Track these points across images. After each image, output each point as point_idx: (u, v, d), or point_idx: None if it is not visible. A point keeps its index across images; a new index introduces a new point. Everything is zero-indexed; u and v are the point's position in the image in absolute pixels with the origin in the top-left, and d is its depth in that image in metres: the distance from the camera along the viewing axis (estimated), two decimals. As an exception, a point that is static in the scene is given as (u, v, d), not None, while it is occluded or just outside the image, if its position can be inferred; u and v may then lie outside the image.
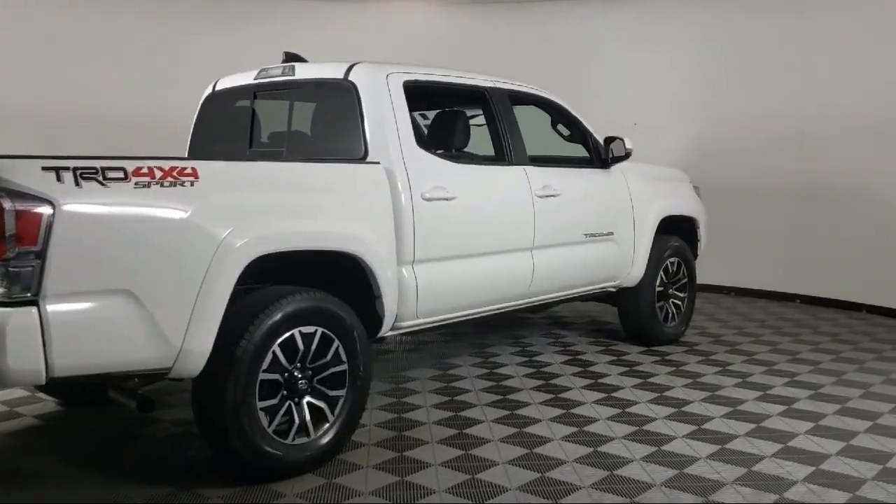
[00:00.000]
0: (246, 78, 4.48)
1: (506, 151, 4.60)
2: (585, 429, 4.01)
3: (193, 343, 3.02)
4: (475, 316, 4.50)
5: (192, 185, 3.05)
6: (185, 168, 3.05)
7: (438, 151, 4.19)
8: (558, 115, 5.24)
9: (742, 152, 7.97)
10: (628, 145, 5.16)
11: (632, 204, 5.43)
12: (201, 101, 4.72)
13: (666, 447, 3.76)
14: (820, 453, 3.69)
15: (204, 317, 3.03)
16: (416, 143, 4.02)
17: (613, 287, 5.54)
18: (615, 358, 5.44)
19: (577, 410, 4.29)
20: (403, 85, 4.06)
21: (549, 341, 5.95)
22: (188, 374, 3.08)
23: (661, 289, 5.79)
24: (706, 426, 4.06)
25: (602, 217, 5.22)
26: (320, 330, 3.45)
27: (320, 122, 4.22)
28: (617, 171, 5.40)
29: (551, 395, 4.56)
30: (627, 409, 4.32)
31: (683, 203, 5.98)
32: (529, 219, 4.58)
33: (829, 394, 4.63)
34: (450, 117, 4.58)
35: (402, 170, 3.88)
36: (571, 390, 4.67)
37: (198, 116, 4.73)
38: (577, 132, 5.28)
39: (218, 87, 4.66)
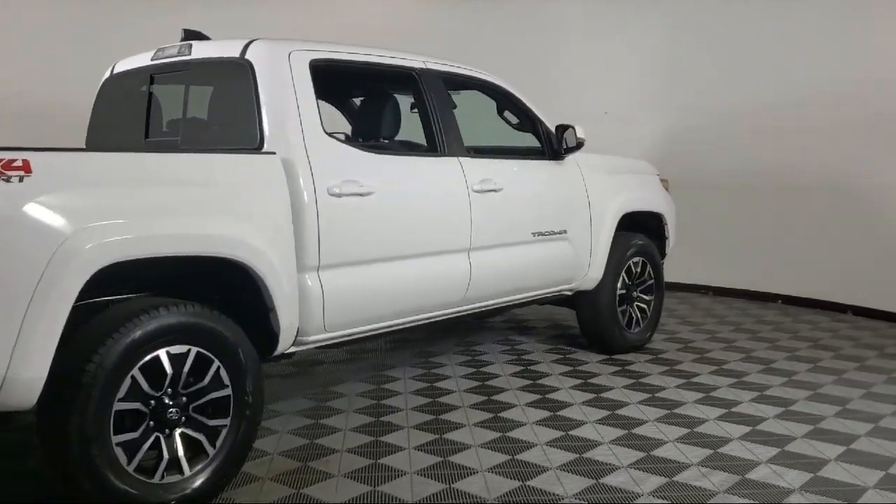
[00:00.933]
0: (144, 59, 3.97)
1: (438, 141, 4.09)
2: (519, 457, 3.52)
3: (21, 369, 2.52)
4: (405, 326, 4.00)
5: (20, 180, 2.54)
6: (13, 161, 2.54)
7: (354, 141, 3.69)
8: (504, 100, 4.73)
9: (719, 143, 7.45)
10: (580, 134, 4.65)
11: (588, 199, 4.93)
12: (99, 87, 4.21)
13: (606, 479, 3.27)
14: (782, 488, 3.19)
15: (34, 337, 2.54)
16: (323, 131, 3.51)
17: (569, 290, 5.04)
18: (570, 369, 4.94)
19: (515, 433, 3.80)
20: (310, 65, 3.55)
21: (504, 349, 5.45)
22: (17, 406, 2.58)
23: (623, 291, 5.29)
24: (657, 452, 3.56)
25: (553, 214, 4.71)
26: (194, 349, 2.94)
27: (216, 108, 3.71)
28: (571, 163, 4.90)
29: (490, 415, 4.06)
30: (572, 432, 3.82)
31: (648, 198, 5.48)
32: (465, 217, 4.08)
33: (800, 412, 4.13)
34: (374, 102, 4.08)
35: (304, 161, 3.37)
36: (514, 408, 4.17)
37: (95, 103, 4.22)
38: (526, 120, 4.77)
39: (116, 71, 4.15)
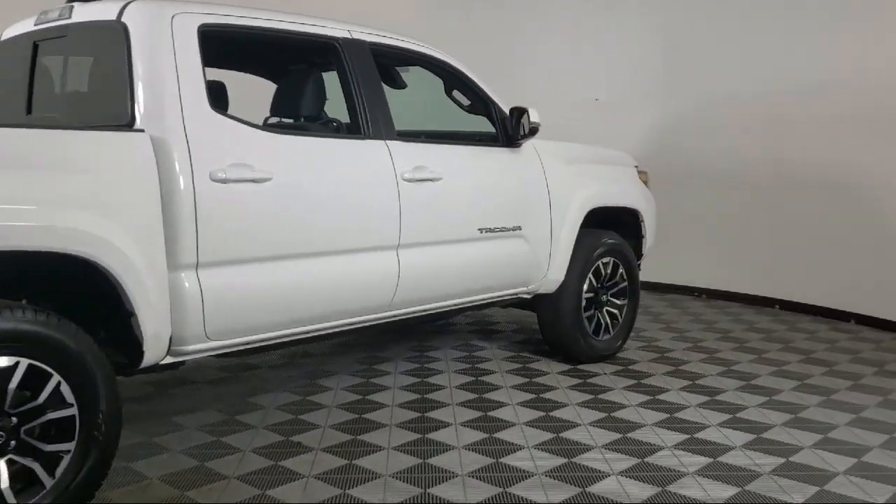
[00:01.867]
0: (28, 24, 3.50)
1: (361, 122, 3.59)
2: (434, 490, 3.02)
3: None
4: (320, 334, 3.52)
5: None
6: None
7: (250, 120, 3.20)
8: (452, 79, 4.22)
9: (716, 134, 6.87)
10: (534, 118, 4.12)
11: (548, 192, 4.40)
12: (-13, 56, 3.75)
13: (525, 524, 2.76)
14: (734, 540, 2.67)
15: None
16: (209, 107, 3.02)
17: (527, 293, 4.52)
18: (525, 381, 4.43)
19: (438, 460, 3.30)
20: (199, 30, 3.07)
21: (460, 355, 4.95)
22: None
23: (590, 295, 4.76)
24: (596, 489, 3.05)
25: (505, 208, 4.20)
26: (25, 362, 2.48)
27: (95, 79, 3.24)
28: (530, 151, 4.38)
29: (417, 436, 3.57)
30: (503, 459, 3.32)
31: (621, 191, 4.94)
32: (391, 209, 3.58)
33: (774, 440, 3.59)
34: (290, 77, 3.59)
35: (181, 141, 2.89)
36: (447, 427, 3.68)
37: (-18, 75, 3.76)
38: (478, 102, 4.26)
39: (4, 37, 3.68)
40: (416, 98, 4.69)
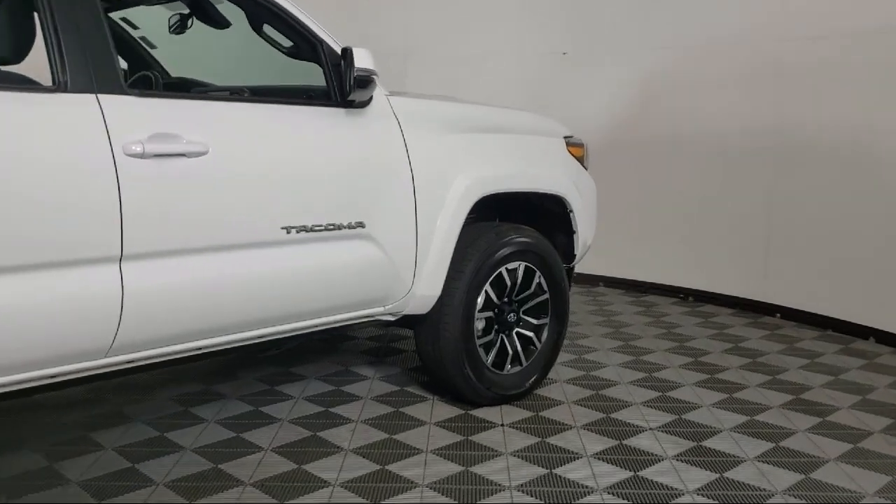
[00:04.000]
0: None
1: (54, 67, 2.31)
2: None
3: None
4: None
5: None
6: None
7: None
8: (256, 7, 2.91)
9: (707, 92, 5.45)
10: (362, 62, 2.81)
11: (412, 172, 3.09)
12: None
13: None
14: None
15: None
16: None
17: (386, 315, 3.23)
18: (386, 437, 3.15)
19: None
20: None
21: (324, 391, 3.70)
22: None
23: (490, 314, 3.45)
24: None
25: (335, 197, 2.91)
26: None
27: None
28: (384, 113, 3.07)
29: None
30: None
31: (535, 171, 3.61)
32: (105, 201, 2.31)
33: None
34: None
35: None
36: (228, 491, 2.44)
37: None
38: (301, 42, 2.95)
39: None
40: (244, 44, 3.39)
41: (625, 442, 3.14)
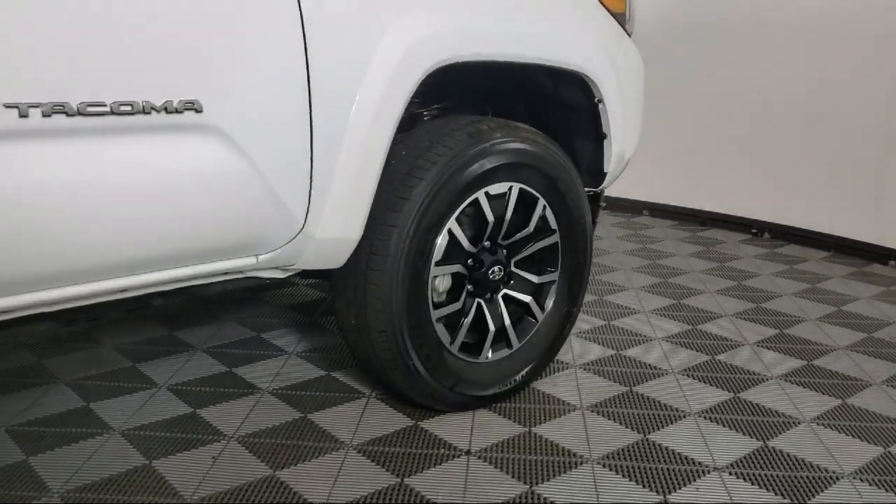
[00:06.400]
0: None
1: None
2: None
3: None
4: None
5: None
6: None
7: None
8: None
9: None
10: None
11: (301, 16, 1.67)
12: None
13: None
14: None
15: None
16: None
17: (270, 268, 1.88)
18: (262, 475, 1.86)
19: None
20: None
21: (253, 352, 2.43)
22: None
23: (458, 268, 2.08)
24: None
25: (130, 49, 1.50)
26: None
27: None
28: None
29: None
30: None
31: (539, 28, 2.15)
32: None
33: None
34: None
35: None
36: None
37: None
38: None
39: None
40: None
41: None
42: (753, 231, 4.32)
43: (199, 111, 1.58)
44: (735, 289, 3.38)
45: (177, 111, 1.56)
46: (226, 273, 1.81)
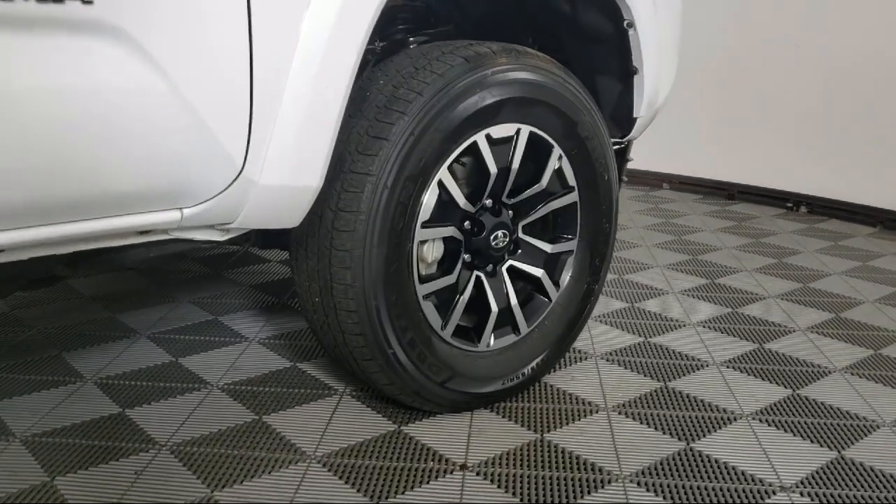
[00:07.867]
0: None
1: None
2: None
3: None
4: None
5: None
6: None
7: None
8: None
9: None
10: None
11: None
12: None
13: None
14: None
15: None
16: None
17: (199, 227, 1.43)
18: None
19: None
20: None
21: (208, 339, 1.99)
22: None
23: (451, 230, 1.64)
24: None
25: None
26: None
27: None
28: None
29: None
30: None
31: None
32: None
33: None
34: None
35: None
36: None
37: None
38: None
39: None
40: None
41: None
42: (789, 205, 3.86)
43: (86, 2, 1.13)
44: (776, 267, 2.93)
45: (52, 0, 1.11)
46: (142, 233, 1.37)
